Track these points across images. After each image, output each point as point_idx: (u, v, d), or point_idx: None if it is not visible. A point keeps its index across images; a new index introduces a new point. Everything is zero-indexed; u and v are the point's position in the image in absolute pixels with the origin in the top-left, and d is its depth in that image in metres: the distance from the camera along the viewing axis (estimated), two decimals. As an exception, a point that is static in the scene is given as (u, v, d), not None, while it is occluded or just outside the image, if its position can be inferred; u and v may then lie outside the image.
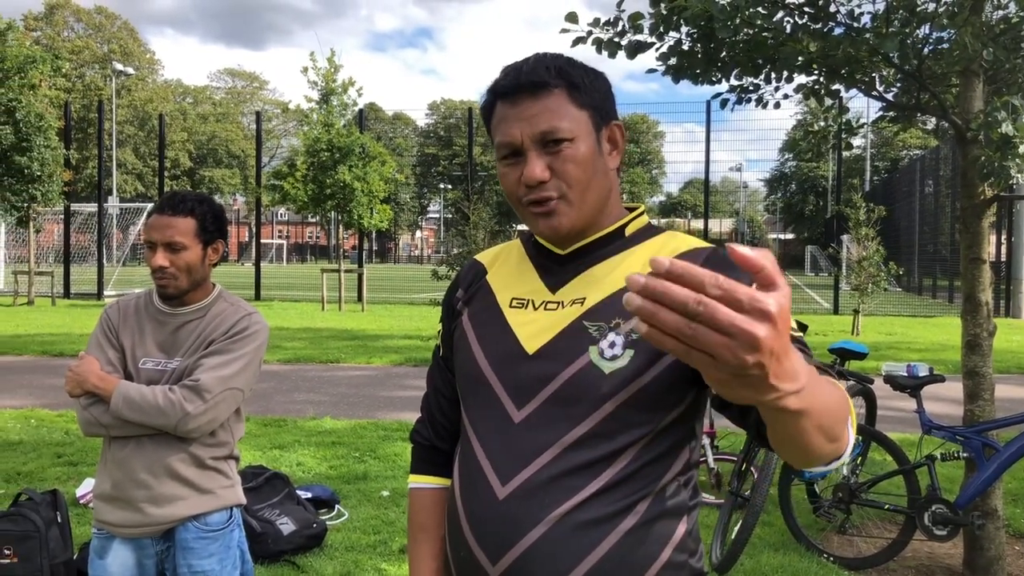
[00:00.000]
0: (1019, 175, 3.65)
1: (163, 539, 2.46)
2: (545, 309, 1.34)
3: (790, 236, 70.91)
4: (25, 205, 18.84)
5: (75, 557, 3.98)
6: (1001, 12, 4.12)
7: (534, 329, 1.33)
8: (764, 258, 0.76)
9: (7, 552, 3.78)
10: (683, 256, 1.32)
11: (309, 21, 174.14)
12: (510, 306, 1.38)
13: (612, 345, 1.26)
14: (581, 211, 1.32)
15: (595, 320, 1.28)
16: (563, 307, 1.33)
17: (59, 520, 3.96)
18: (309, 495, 5.01)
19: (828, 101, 4.46)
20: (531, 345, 1.31)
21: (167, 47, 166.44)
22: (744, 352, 0.75)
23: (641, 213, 1.43)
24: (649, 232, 1.40)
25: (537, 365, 1.30)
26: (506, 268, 1.46)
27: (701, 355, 0.76)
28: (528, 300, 1.37)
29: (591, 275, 1.35)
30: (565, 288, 1.36)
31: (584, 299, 1.32)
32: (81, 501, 5.05)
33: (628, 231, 1.39)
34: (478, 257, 1.54)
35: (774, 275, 0.76)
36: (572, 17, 3.88)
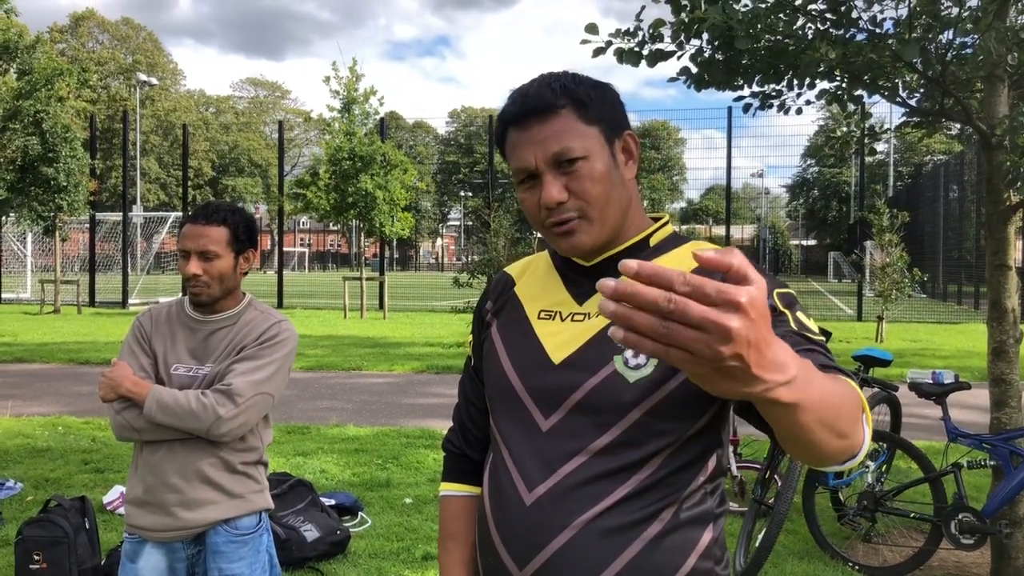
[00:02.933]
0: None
1: (194, 543, 2.50)
2: (572, 320, 1.36)
3: (813, 242, 70.39)
4: (51, 214, 19.08)
5: (103, 563, 4.04)
6: (1026, 17, 4.09)
7: (561, 340, 1.35)
8: (731, 256, 0.77)
9: (36, 558, 3.85)
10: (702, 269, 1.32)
11: (328, 31, 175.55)
12: (538, 317, 1.40)
13: (637, 354, 1.26)
14: (603, 227, 1.33)
15: None
16: (589, 318, 1.35)
17: (87, 526, 4.03)
18: (332, 502, 5.04)
19: (851, 107, 4.45)
20: (557, 356, 1.33)
21: (187, 57, 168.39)
22: (719, 344, 0.76)
23: (665, 223, 1.43)
24: (674, 242, 1.41)
25: (563, 374, 1.31)
26: (534, 280, 1.48)
27: (679, 352, 0.77)
28: (556, 312, 1.39)
29: None
30: (592, 299, 1.37)
31: None
32: (108, 507, 5.11)
33: (653, 241, 1.40)
34: (507, 269, 1.56)
35: (744, 269, 0.77)
36: (592, 28, 3.88)
